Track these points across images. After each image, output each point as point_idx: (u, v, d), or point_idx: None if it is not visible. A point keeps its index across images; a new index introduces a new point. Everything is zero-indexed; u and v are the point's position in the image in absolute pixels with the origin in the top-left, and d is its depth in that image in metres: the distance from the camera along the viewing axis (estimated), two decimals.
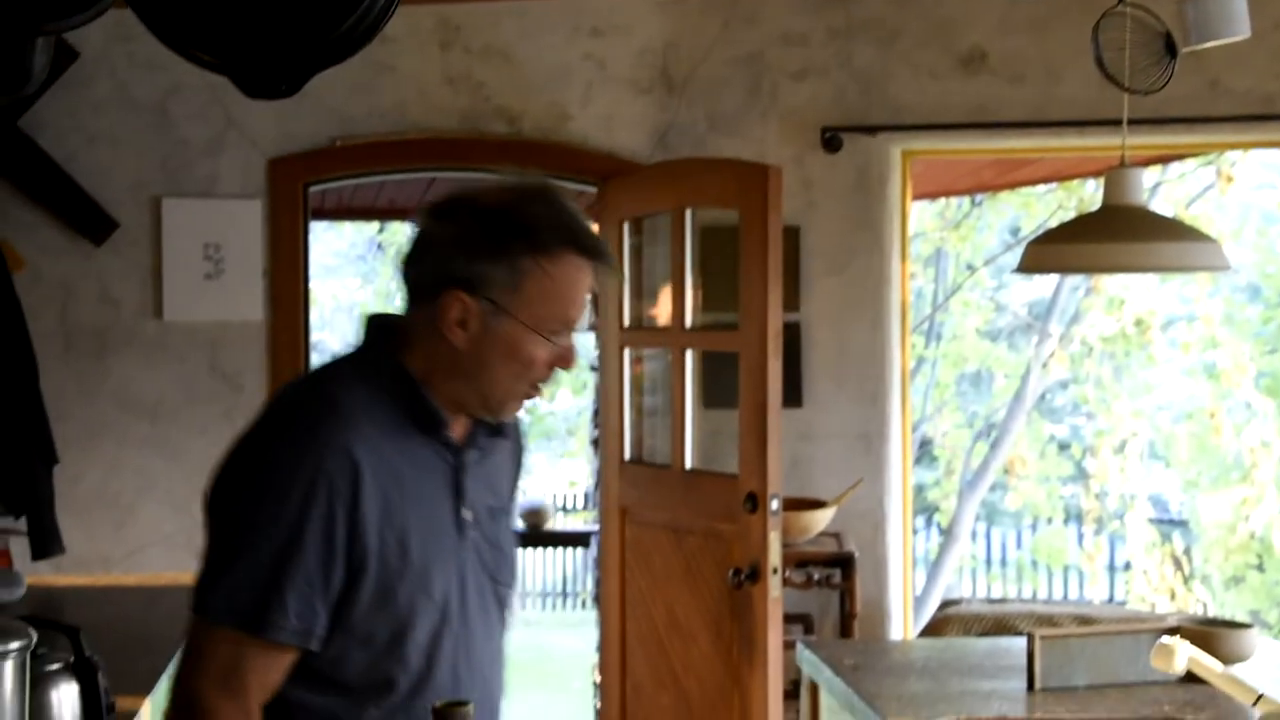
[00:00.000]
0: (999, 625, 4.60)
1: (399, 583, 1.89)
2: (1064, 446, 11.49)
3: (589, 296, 1.96)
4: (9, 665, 1.87)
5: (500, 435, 2.06)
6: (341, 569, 1.86)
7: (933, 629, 4.81)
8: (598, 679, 5.65)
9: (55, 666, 2.75)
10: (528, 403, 2.00)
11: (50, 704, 2.72)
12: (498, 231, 1.89)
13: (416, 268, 1.96)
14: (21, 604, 3.13)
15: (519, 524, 6.93)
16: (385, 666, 1.91)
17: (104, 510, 4.98)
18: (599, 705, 5.56)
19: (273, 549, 1.84)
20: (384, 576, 1.88)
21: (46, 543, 4.21)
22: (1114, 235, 3.03)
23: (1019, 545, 11.84)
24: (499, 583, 2.07)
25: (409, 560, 1.90)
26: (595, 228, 2.01)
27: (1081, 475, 10.87)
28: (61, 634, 2.60)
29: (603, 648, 5.35)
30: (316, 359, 5.69)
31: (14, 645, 1.88)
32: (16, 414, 4.13)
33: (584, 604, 11.86)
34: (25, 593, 3.21)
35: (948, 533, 10.35)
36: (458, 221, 1.92)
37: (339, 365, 2.01)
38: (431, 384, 1.95)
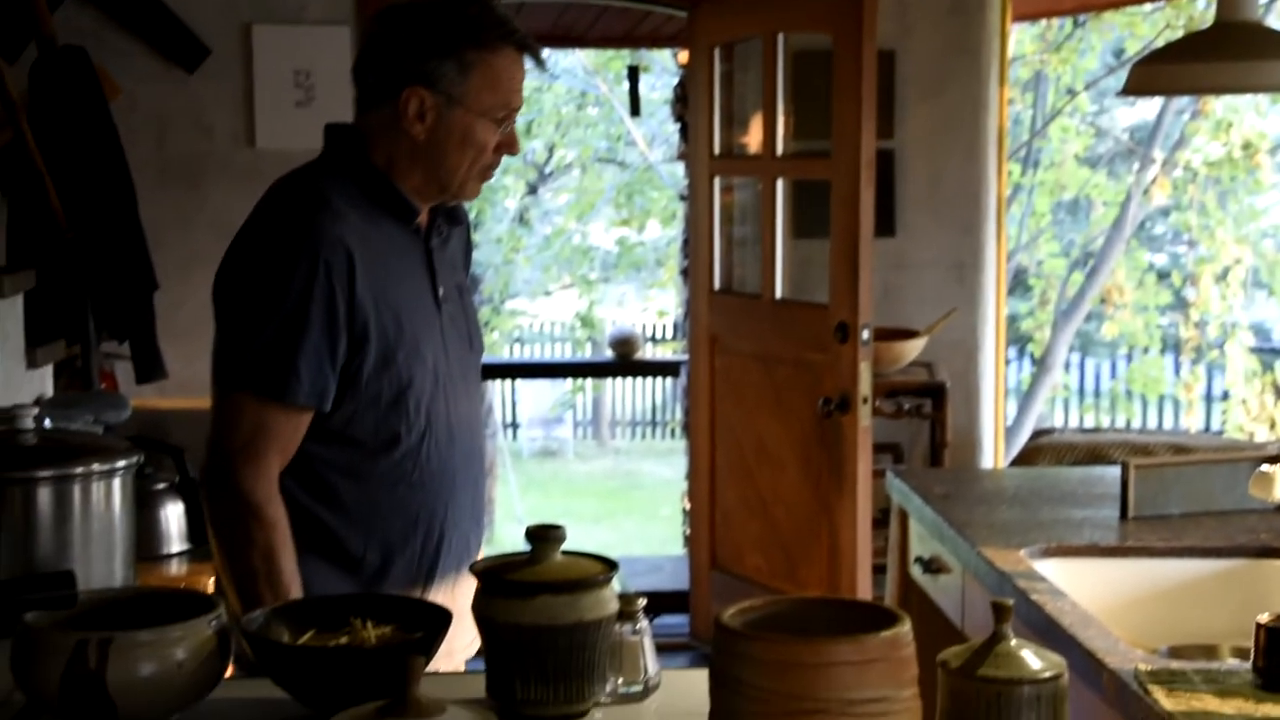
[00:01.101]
0: (1092, 454, 4.59)
1: (397, 349, 2.13)
2: (1163, 275, 11.29)
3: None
4: (117, 482, 1.92)
5: (456, 222, 2.30)
6: (345, 340, 2.09)
7: (1025, 458, 4.80)
8: (687, 506, 5.73)
9: (161, 486, 2.83)
10: (483, 185, 2.24)
11: (158, 521, 2.81)
12: (444, 31, 2.12)
13: (374, 72, 2.17)
14: (127, 426, 3.21)
15: (608, 351, 6.97)
16: (391, 423, 2.16)
17: (204, 335, 5.05)
18: (688, 532, 5.64)
19: (282, 322, 2.06)
20: (384, 345, 2.12)
21: (150, 367, 4.30)
22: (1226, 53, 2.92)
23: (1113, 375, 11.73)
24: (473, 349, 2.33)
25: (403, 330, 2.15)
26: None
27: (1181, 304, 10.70)
28: (166, 455, 2.67)
29: (692, 476, 5.40)
30: None
31: (121, 464, 1.93)
32: (117, 242, 4.19)
33: (673, 433, 11.98)
34: (130, 415, 3.29)
35: (1041, 363, 10.27)
36: (408, 26, 2.14)
37: (316, 167, 2.21)
38: (394, 177, 2.17)
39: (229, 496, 2.07)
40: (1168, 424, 11.09)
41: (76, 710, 1.50)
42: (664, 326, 12.34)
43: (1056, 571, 2.51)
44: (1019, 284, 10.69)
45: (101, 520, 1.90)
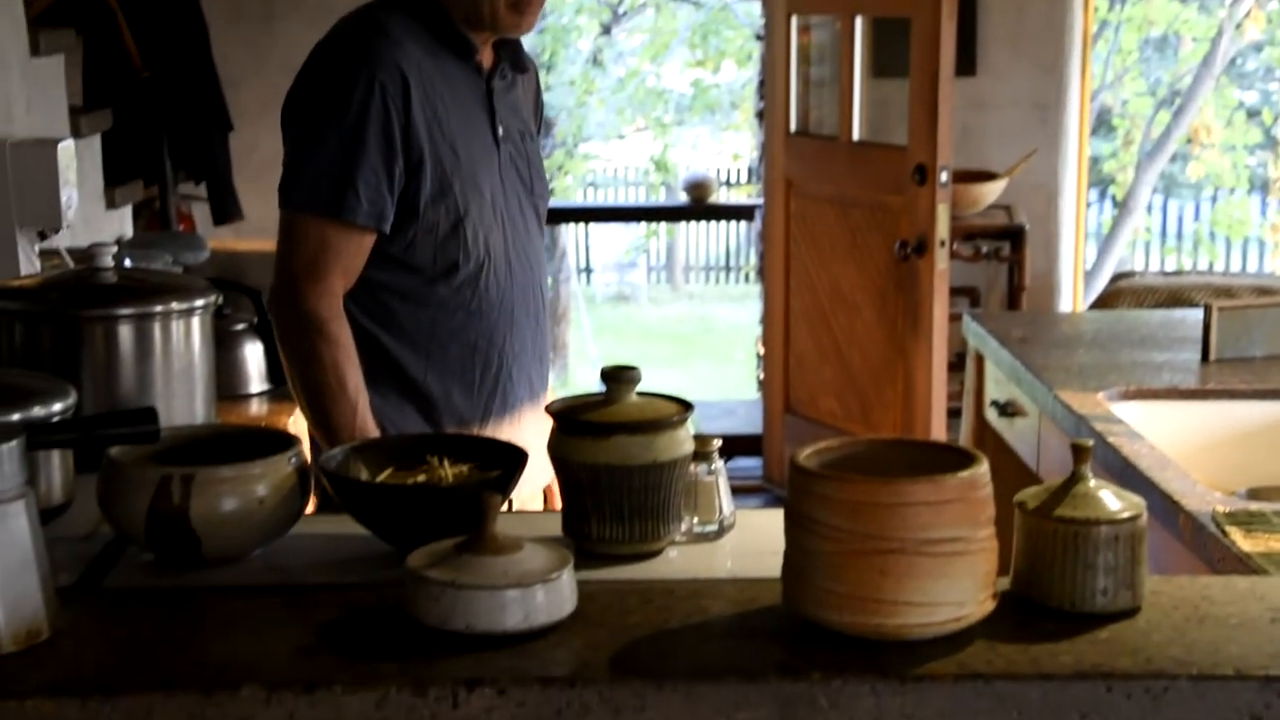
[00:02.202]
0: (1174, 297, 4.52)
1: (454, 178, 2.20)
2: (1253, 113, 10.98)
3: None
4: (196, 321, 1.94)
5: (521, 69, 2.34)
6: (402, 163, 2.15)
7: (1104, 302, 4.74)
8: (761, 351, 5.72)
9: (240, 327, 2.86)
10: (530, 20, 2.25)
11: (237, 362, 2.84)
12: None
13: None
14: (204, 267, 3.24)
15: (682, 196, 6.92)
16: (449, 251, 2.22)
17: (278, 177, 5.06)
18: (762, 376, 5.65)
19: (340, 143, 2.13)
20: (440, 172, 2.18)
21: (226, 208, 4.32)
22: None
23: (1197, 217, 11.49)
24: (534, 194, 2.37)
25: (460, 161, 2.21)
26: None
27: (1270, 143, 10.43)
28: (244, 295, 2.69)
29: (766, 321, 5.39)
30: None
31: (199, 303, 1.94)
32: (192, 82, 4.18)
33: (747, 278, 11.94)
34: (208, 257, 3.31)
35: (1123, 205, 10.08)
36: None
37: (381, 2, 2.25)
38: (450, 12, 2.21)
39: (294, 314, 2.14)
40: (1252, 266, 10.89)
41: (162, 544, 1.53)
42: (738, 170, 12.22)
43: (1135, 414, 2.49)
44: (1102, 124, 10.46)
45: (181, 359, 1.92)
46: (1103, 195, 11.03)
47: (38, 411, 1.61)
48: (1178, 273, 7.66)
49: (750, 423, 5.72)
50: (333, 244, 2.15)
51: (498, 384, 2.30)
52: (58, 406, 1.64)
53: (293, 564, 1.58)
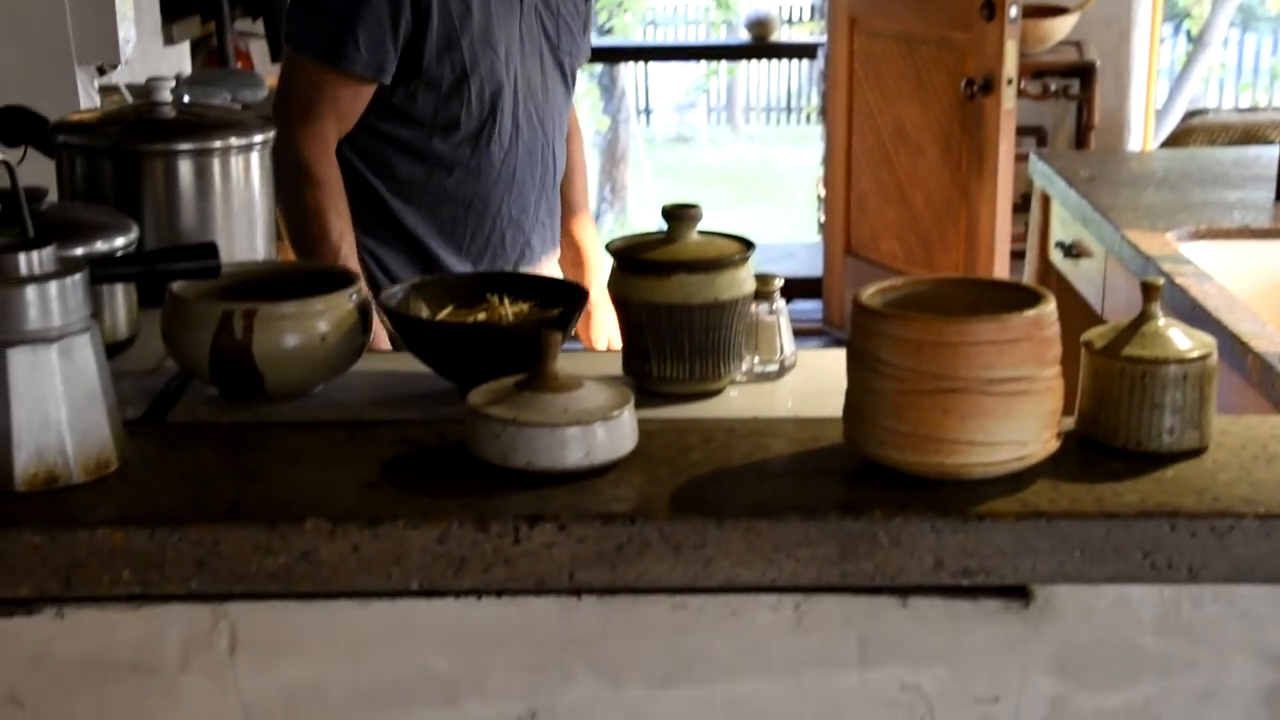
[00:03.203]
0: (1248, 135, 4.41)
1: (463, 32, 2.14)
2: None
3: None
4: (255, 157, 1.93)
5: None
6: (409, 14, 2.10)
7: (1175, 140, 4.64)
8: (822, 193, 5.66)
9: None
10: None
11: None
12: None
13: None
14: (262, 105, 3.22)
15: (743, 33, 6.79)
16: (451, 108, 2.18)
17: None
18: (823, 218, 5.60)
19: None
20: (447, 26, 2.13)
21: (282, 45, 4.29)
22: None
23: (1275, 51, 11.16)
24: (560, 50, 2.30)
25: (472, 14, 2.15)
26: None
27: None
28: None
29: (828, 162, 5.32)
30: None
31: (258, 138, 1.94)
32: None
33: (808, 118, 11.77)
34: (266, 95, 3.29)
35: (1197, 40, 9.80)
36: None
37: None
38: None
39: (284, 155, 2.11)
40: None
41: (226, 379, 1.54)
42: (801, 7, 11.97)
43: (1204, 255, 2.44)
44: None
45: (241, 195, 1.92)
46: (1177, 30, 10.72)
47: (100, 246, 1.62)
48: (1253, 109, 7.48)
49: (810, 265, 5.69)
50: (328, 90, 2.13)
51: (487, 247, 2.27)
52: (120, 241, 1.65)
53: (354, 400, 1.59)
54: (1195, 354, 1.33)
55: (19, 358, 1.23)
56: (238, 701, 1.28)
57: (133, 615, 1.26)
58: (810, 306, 5.37)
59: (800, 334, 1.74)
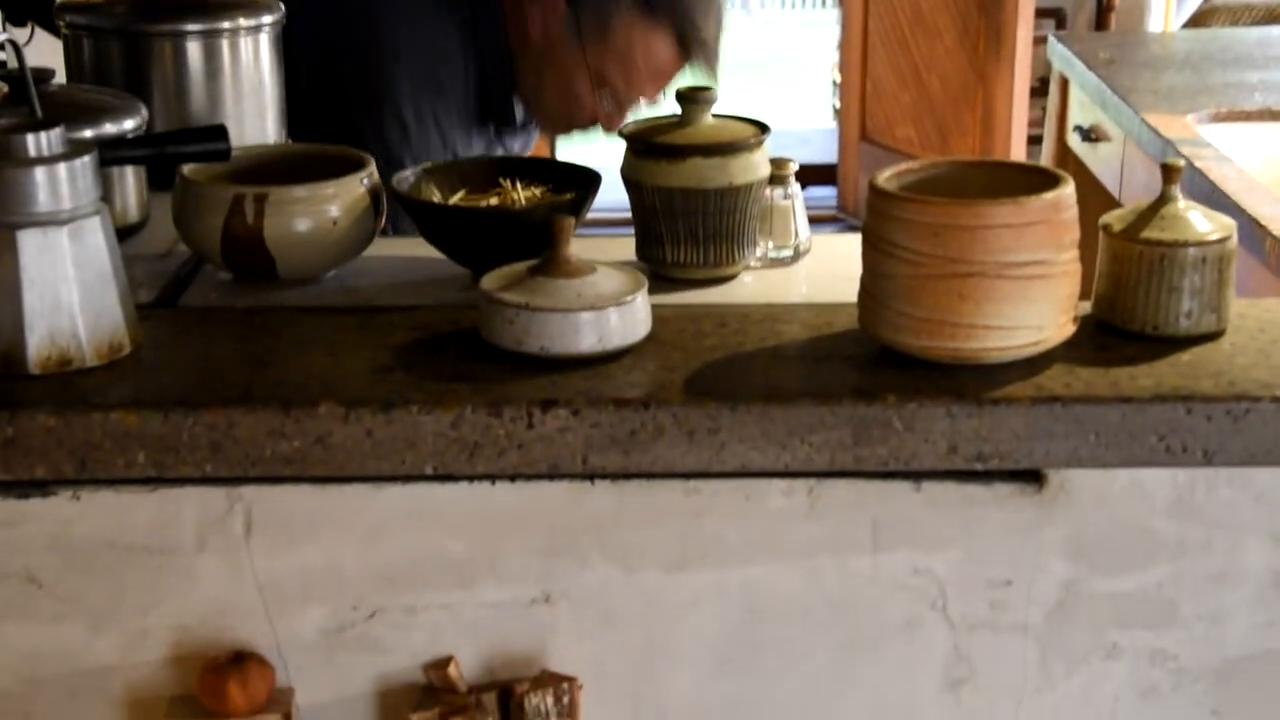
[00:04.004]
0: (1272, 14, 4.34)
1: None
2: None
3: None
4: (265, 39, 1.91)
5: None
6: None
7: (1197, 20, 4.57)
8: (837, 78, 5.60)
9: None
10: None
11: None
12: None
13: None
14: None
15: None
16: None
17: None
18: (837, 104, 5.54)
19: None
20: None
21: None
22: None
23: None
24: None
25: None
26: None
27: None
28: None
29: (843, 46, 5.26)
30: None
31: (267, 19, 1.92)
32: None
33: (824, 2, 11.61)
34: None
35: None
36: None
37: None
38: None
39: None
40: None
41: (238, 263, 1.53)
42: None
43: (1225, 138, 2.42)
44: None
45: (250, 78, 1.89)
46: None
47: (109, 128, 1.60)
48: None
49: (825, 152, 5.64)
50: None
51: None
52: (129, 124, 1.63)
53: (367, 285, 1.58)
54: (1215, 236, 1.31)
55: (29, 240, 1.23)
56: (253, 584, 1.29)
57: (148, 498, 1.27)
58: (824, 193, 5.34)
59: (814, 221, 1.73)
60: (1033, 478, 1.27)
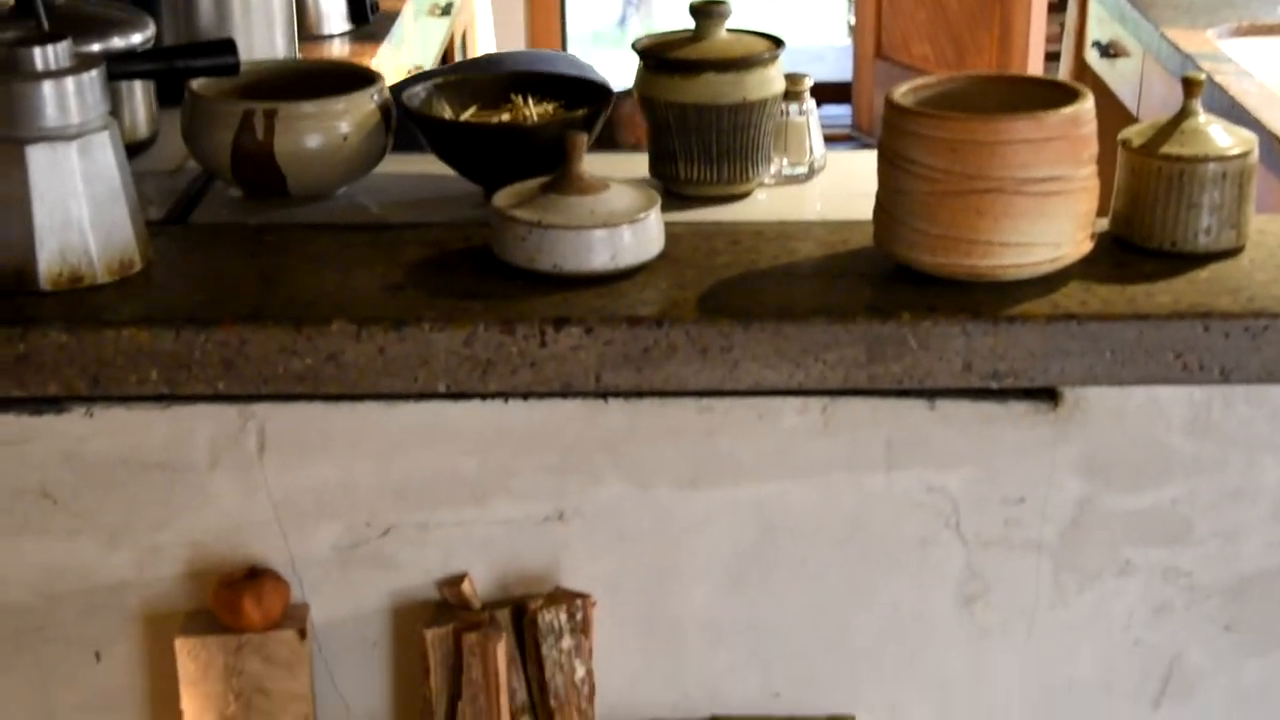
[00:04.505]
0: None
1: None
2: None
3: None
4: None
5: None
6: None
7: None
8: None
9: None
10: None
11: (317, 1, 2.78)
12: None
13: None
14: None
15: None
16: None
17: None
18: (852, 21, 5.48)
19: None
20: None
21: None
22: None
23: None
24: None
25: None
26: None
27: None
28: None
29: None
30: None
31: None
32: None
33: None
34: None
35: None
36: None
37: None
38: None
39: None
40: None
41: (248, 179, 1.52)
42: None
43: (1245, 52, 2.39)
44: None
45: None
46: None
47: (117, 42, 1.59)
48: None
49: (839, 69, 5.59)
50: None
51: None
52: (137, 38, 1.62)
53: (378, 203, 1.58)
54: (1235, 151, 1.29)
55: (38, 155, 1.22)
56: (267, 500, 1.29)
57: (161, 415, 1.27)
58: (839, 111, 5.30)
59: (829, 140, 1.71)
60: (1048, 395, 1.26)
